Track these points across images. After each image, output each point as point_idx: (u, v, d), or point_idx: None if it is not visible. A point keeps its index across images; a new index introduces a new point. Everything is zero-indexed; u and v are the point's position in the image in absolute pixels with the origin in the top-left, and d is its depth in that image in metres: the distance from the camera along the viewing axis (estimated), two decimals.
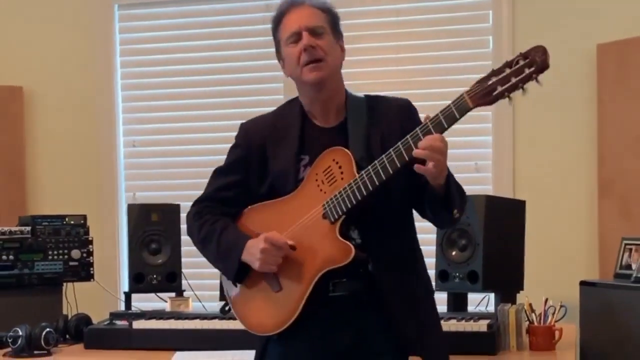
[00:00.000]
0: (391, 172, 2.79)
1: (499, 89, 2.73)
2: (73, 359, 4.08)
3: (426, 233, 4.62)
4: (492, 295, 4.30)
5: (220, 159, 5.17)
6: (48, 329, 4.01)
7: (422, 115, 2.89)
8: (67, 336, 4.33)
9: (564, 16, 5.02)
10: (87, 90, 5.72)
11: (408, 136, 2.79)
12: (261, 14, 5.36)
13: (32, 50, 5.80)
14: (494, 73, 2.74)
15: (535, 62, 2.71)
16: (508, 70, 2.73)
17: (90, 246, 4.87)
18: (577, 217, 4.98)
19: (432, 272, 4.29)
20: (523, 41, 5.04)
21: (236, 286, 3.05)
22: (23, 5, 5.82)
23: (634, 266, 4.19)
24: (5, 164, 5.64)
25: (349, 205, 2.84)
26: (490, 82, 2.74)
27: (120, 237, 5.58)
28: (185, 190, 5.33)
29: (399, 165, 2.79)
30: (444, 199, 2.89)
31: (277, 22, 3.04)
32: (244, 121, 3.17)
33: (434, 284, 4.28)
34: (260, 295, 2.99)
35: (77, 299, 4.92)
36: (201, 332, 3.98)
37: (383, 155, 2.80)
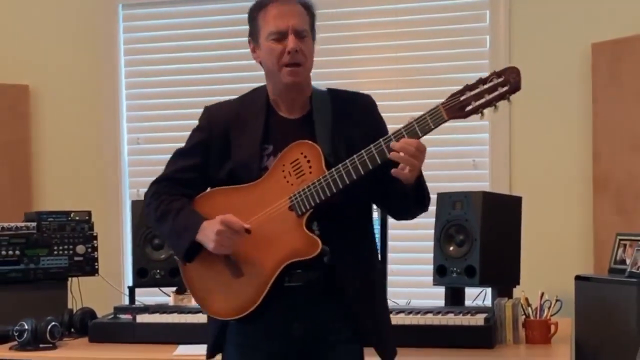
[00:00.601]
0: (362, 172, 2.80)
1: (473, 104, 2.78)
2: (78, 352, 4.08)
3: (424, 229, 4.65)
4: (489, 290, 4.31)
5: None
6: (53, 323, 4.01)
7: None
8: (72, 330, 4.34)
9: (559, 16, 5.01)
10: (92, 89, 5.71)
11: (381, 140, 2.80)
12: None
13: (38, 50, 5.79)
14: (469, 88, 2.79)
15: (509, 82, 2.77)
16: (482, 87, 2.78)
17: (95, 241, 4.87)
18: (573, 213, 4.97)
19: (430, 267, 4.32)
20: (519, 40, 5.06)
21: (185, 265, 3.00)
22: (29, 5, 5.81)
23: (628, 261, 4.20)
24: (12, 161, 5.64)
25: (318, 201, 2.83)
26: (464, 97, 2.78)
27: (124, 232, 5.58)
28: None
29: (370, 167, 2.79)
30: (415, 195, 2.91)
31: (261, 7, 2.98)
32: (208, 104, 3.14)
33: (431, 278, 4.30)
34: (219, 280, 2.94)
35: (81, 293, 4.93)
36: (204, 325, 3.96)
37: (354, 156, 2.80)
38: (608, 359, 4.17)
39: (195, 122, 5.77)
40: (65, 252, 4.79)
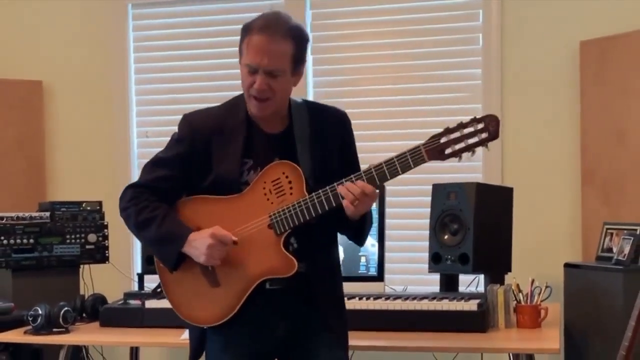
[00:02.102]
0: (340, 200, 2.78)
1: (452, 148, 2.74)
2: (89, 336, 4.08)
3: (419, 218, 4.63)
4: (481, 277, 4.30)
5: None
6: (66, 308, 4.01)
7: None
8: (84, 315, 4.34)
9: (549, 15, 4.99)
10: (102, 84, 5.69)
11: (362, 172, 2.78)
12: None
13: (51, 47, 5.77)
14: (449, 131, 2.75)
15: (488, 129, 2.74)
16: (462, 132, 2.74)
17: (106, 230, 4.88)
18: (562, 203, 4.96)
19: (425, 255, 4.31)
20: (511, 39, 5.04)
21: (172, 273, 2.96)
22: (42, 5, 5.79)
23: (614, 249, 4.19)
24: (26, 154, 5.62)
25: (297, 223, 2.81)
26: (444, 140, 2.75)
27: None
28: None
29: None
30: (355, 229, 2.96)
31: (247, 31, 2.84)
32: (187, 112, 3.06)
33: (427, 266, 4.30)
34: (196, 287, 2.93)
35: (93, 280, 4.94)
36: None
37: (335, 183, 2.78)
38: (595, 342, 4.17)
39: None
40: (78, 240, 4.79)
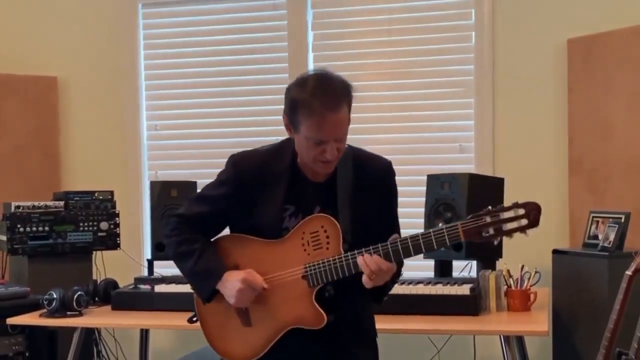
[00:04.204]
0: None
1: (490, 231, 2.58)
2: (102, 318, 4.08)
3: (414, 207, 4.62)
4: (474, 263, 4.29)
5: (232, 142, 5.13)
6: (79, 292, 4.01)
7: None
8: (97, 298, 4.35)
9: (538, 14, 4.98)
10: (114, 80, 5.68)
11: (398, 241, 2.64)
12: (270, 12, 5.34)
13: (66, 45, 5.76)
14: (489, 212, 2.58)
15: (528, 217, 2.56)
16: (502, 215, 2.57)
17: (117, 218, 4.87)
18: (550, 193, 4.94)
19: None
20: (502, 37, 5.03)
21: (204, 304, 2.91)
22: (58, 5, 5.78)
23: (600, 236, 4.18)
24: (42, 146, 5.61)
25: (330, 279, 2.72)
26: (483, 223, 2.57)
27: (144, 210, 5.54)
28: (201, 168, 5.35)
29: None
30: (372, 293, 2.80)
31: (307, 105, 2.63)
32: (234, 152, 2.91)
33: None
34: (229, 324, 2.87)
35: (105, 265, 4.93)
36: None
37: (371, 247, 2.65)
38: (582, 324, 4.17)
39: (210, 110, 5.72)
40: (90, 228, 4.78)
